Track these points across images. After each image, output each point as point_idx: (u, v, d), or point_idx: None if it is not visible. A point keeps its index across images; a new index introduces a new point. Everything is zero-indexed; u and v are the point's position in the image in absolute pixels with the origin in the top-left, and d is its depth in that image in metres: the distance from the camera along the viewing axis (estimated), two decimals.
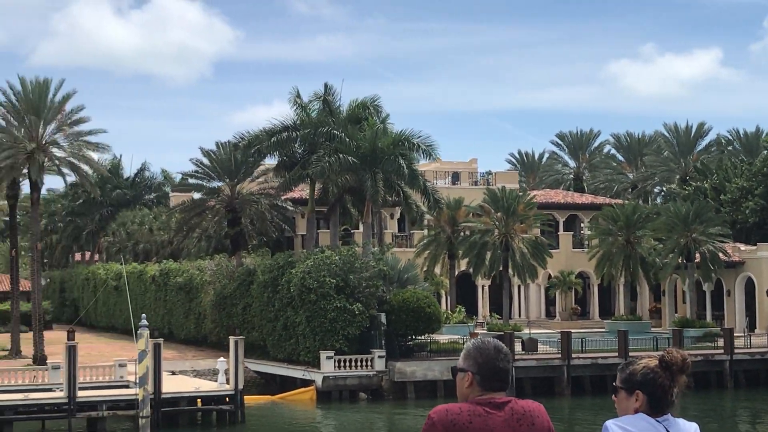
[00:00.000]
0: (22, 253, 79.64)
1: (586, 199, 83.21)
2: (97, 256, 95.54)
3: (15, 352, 57.81)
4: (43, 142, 54.48)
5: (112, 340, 69.75)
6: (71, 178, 60.83)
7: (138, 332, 37.23)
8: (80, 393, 40.01)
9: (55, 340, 59.77)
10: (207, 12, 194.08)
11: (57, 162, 55.73)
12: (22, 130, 54.95)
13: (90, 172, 58.49)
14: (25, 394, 40.93)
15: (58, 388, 41.70)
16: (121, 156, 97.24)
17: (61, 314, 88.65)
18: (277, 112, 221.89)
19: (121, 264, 67.92)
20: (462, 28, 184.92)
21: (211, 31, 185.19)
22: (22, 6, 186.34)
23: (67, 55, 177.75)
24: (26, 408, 39.99)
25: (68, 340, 40.76)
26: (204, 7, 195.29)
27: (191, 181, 65.45)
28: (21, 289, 63.53)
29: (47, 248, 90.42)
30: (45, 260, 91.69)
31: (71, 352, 39.91)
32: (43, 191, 66.65)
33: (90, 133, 56.00)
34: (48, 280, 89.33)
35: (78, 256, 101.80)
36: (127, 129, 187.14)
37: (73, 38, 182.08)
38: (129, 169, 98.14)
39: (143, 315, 39.62)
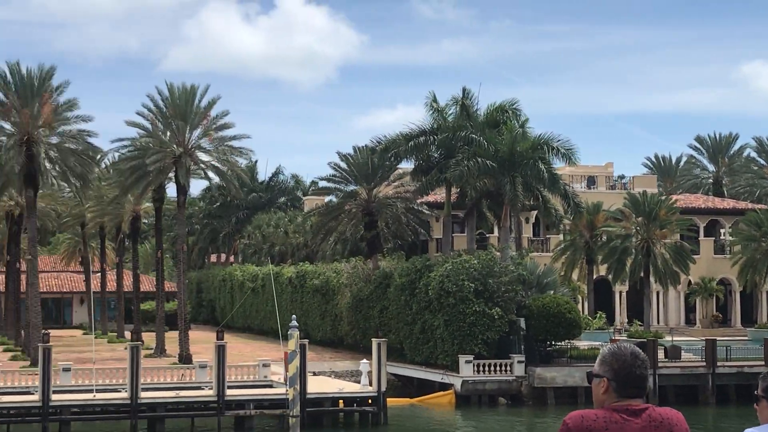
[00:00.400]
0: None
1: (728, 204, 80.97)
2: (232, 258, 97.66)
3: (160, 350, 59.36)
4: (190, 147, 55.88)
5: (249, 340, 71.12)
6: (215, 181, 62.32)
7: (288, 333, 37.77)
8: (228, 392, 40.83)
9: (195, 339, 61.29)
10: (333, 17, 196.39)
11: (203, 166, 57.11)
12: (168, 133, 56.44)
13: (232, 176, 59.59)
14: (175, 392, 41.91)
15: (206, 387, 42.66)
16: (257, 160, 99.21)
17: (198, 314, 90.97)
18: (402, 116, 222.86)
19: (267, 265, 69.28)
20: (588, 30, 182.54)
21: (337, 35, 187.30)
22: (154, 13, 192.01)
23: (197, 60, 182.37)
24: (176, 405, 40.94)
25: (217, 339, 41.54)
26: (330, 13, 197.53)
27: (328, 184, 66.17)
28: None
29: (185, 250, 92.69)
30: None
31: (220, 351, 40.74)
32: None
33: (234, 138, 57.28)
34: (186, 281, 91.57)
35: (214, 258, 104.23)
36: (254, 133, 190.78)
37: (203, 44, 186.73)
38: (263, 173, 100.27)
39: (293, 316, 40.17)
